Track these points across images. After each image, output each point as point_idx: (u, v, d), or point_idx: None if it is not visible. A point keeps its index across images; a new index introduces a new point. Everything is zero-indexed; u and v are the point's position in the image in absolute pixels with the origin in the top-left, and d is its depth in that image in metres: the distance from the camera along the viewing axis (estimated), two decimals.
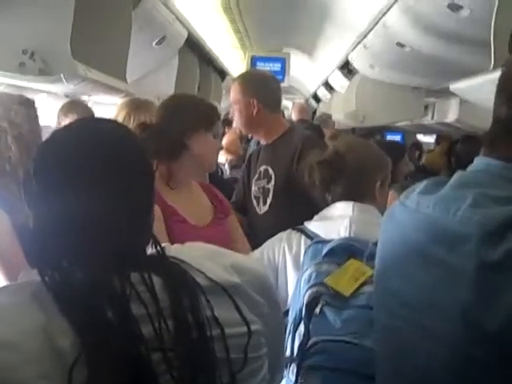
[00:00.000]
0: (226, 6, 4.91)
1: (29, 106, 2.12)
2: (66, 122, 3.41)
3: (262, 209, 2.72)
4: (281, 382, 1.29)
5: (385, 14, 3.47)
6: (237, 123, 2.81)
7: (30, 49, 2.23)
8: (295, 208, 2.43)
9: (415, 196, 1.05)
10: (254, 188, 2.78)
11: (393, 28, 3.52)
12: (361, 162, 1.97)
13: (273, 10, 5.20)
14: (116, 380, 0.85)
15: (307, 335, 1.57)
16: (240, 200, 2.90)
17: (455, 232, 0.91)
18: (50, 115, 3.59)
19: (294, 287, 1.77)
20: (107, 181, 0.96)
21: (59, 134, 1.04)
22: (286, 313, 1.75)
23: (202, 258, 1.04)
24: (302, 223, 2.00)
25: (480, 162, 1.01)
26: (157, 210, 2.15)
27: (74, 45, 2.36)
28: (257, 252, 2.02)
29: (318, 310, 1.57)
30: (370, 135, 6.96)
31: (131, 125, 2.52)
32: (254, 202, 2.77)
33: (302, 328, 1.60)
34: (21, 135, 2.05)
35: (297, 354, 1.59)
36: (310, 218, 2.02)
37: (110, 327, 0.88)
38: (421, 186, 1.06)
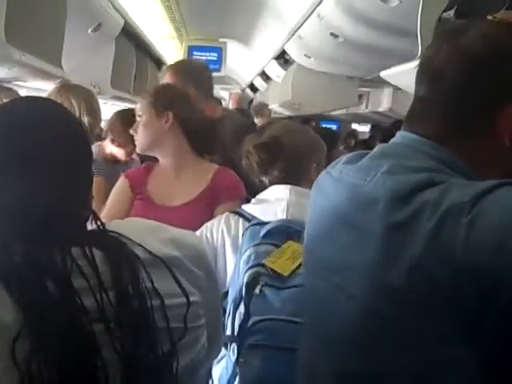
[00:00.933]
0: None
1: None
2: None
3: None
4: (219, 352, 1.33)
5: (318, 4, 3.53)
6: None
7: None
8: None
9: (340, 165, 1.11)
10: None
11: (326, 18, 3.59)
12: (297, 145, 2.02)
13: (209, 0, 5.22)
14: (59, 352, 0.87)
15: (247, 315, 1.61)
16: None
17: (369, 196, 0.97)
18: None
19: (233, 268, 1.81)
20: (43, 158, 0.98)
21: None
22: (226, 294, 1.79)
23: (142, 232, 1.06)
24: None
25: (399, 135, 1.08)
26: (124, 184, 2.27)
27: (7, 29, 2.33)
28: (196, 233, 2.04)
29: (257, 290, 1.62)
30: (305, 123, 7.08)
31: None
32: None
33: (242, 308, 1.64)
34: None
35: (237, 334, 1.63)
36: (248, 201, 2.06)
37: (52, 300, 0.89)
38: (346, 156, 1.13)
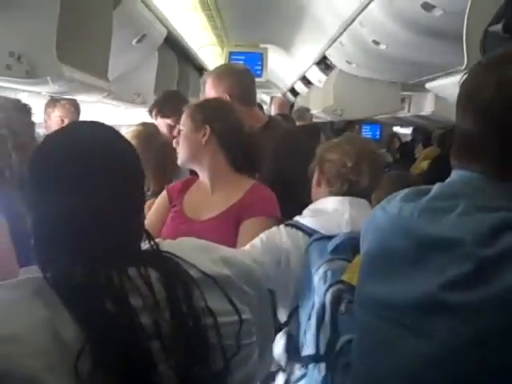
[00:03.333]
0: (204, 4, 4.94)
1: (27, 112, 2.17)
2: (51, 118, 3.46)
3: None
4: (269, 367, 1.35)
5: (360, 12, 3.53)
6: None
7: (16, 52, 2.27)
8: (279, 198, 2.49)
9: (397, 203, 1.11)
10: None
11: (368, 26, 3.59)
12: None
13: (250, 7, 5.24)
14: (119, 368, 0.91)
15: (335, 334, 1.59)
16: None
17: (444, 237, 0.97)
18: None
19: (303, 284, 1.80)
20: (102, 182, 1.01)
21: (53, 137, 1.09)
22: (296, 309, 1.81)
23: (194, 252, 1.10)
24: (288, 213, 2.04)
25: (455, 173, 1.07)
26: (164, 196, 2.32)
27: (58, 47, 2.40)
28: (257, 240, 1.98)
29: (342, 308, 1.59)
30: (348, 125, 7.07)
31: None
32: None
33: (327, 326, 1.63)
34: (22, 144, 2.10)
35: (326, 352, 1.61)
36: (293, 211, 2.05)
37: (111, 319, 0.93)
38: (403, 193, 1.13)
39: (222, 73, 2.84)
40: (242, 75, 2.84)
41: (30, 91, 2.94)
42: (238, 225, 2.13)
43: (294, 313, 1.84)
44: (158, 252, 1.06)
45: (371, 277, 1.13)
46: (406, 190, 1.13)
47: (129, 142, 1.15)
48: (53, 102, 3.50)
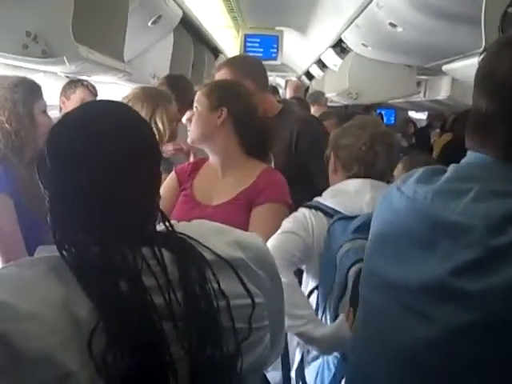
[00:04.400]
0: None
1: (34, 91, 2.18)
2: (71, 99, 3.48)
3: None
4: (279, 352, 1.36)
5: None
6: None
7: (33, 31, 2.28)
8: (295, 189, 2.48)
9: (412, 184, 1.10)
10: None
11: (385, 8, 3.56)
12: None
13: None
14: (132, 346, 0.92)
15: (354, 310, 1.60)
16: None
17: (457, 223, 0.97)
18: (48, 94, 3.64)
19: (324, 263, 1.83)
20: (119, 161, 1.01)
21: (71, 116, 1.09)
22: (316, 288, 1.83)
23: (208, 234, 1.10)
24: (302, 203, 2.03)
25: (471, 155, 1.06)
26: (173, 179, 2.29)
27: (75, 27, 2.41)
28: (286, 222, 1.97)
29: None
30: (366, 110, 7.03)
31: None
32: None
33: (347, 303, 1.66)
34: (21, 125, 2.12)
35: None
36: (309, 198, 2.05)
37: (124, 298, 0.94)
38: (418, 173, 1.11)
39: (237, 61, 2.86)
40: (257, 63, 2.86)
41: (46, 71, 2.96)
42: (250, 210, 2.11)
43: (313, 291, 1.85)
44: (172, 233, 1.07)
45: (382, 257, 1.12)
46: (421, 170, 1.12)
47: (145, 121, 1.15)
48: (73, 83, 3.51)
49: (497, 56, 1.02)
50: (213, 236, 1.10)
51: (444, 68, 2.83)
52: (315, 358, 1.76)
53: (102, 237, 0.99)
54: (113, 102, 1.17)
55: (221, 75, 2.69)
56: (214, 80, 2.62)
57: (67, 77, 3.26)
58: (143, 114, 2.43)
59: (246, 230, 2.00)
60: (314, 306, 1.83)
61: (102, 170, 1.00)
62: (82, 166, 1.00)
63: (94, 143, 1.01)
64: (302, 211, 1.95)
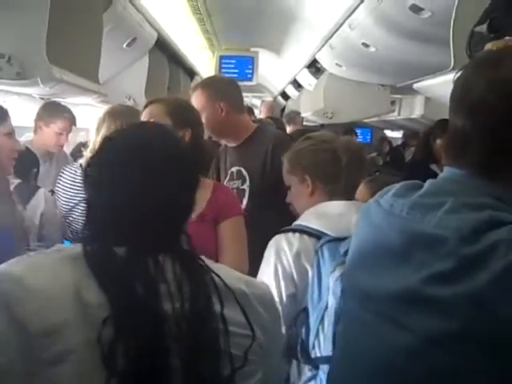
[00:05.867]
0: (195, 7, 4.97)
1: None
2: (50, 128, 3.47)
3: None
4: None
5: (350, 14, 3.56)
6: (207, 130, 2.68)
7: (7, 53, 2.28)
8: (271, 207, 2.49)
9: (389, 198, 1.12)
10: None
11: (358, 28, 3.61)
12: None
13: (240, 11, 5.26)
14: (137, 343, 0.98)
15: None
16: None
17: (431, 235, 0.99)
18: (22, 116, 3.63)
19: (313, 286, 1.76)
20: (159, 176, 1.11)
21: (122, 135, 1.20)
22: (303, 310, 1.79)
23: (216, 265, 1.17)
24: (279, 221, 2.00)
25: (446, 170, 1.09)
26: None
27: (49, 49, 2.42)
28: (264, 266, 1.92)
29: None
30: (347, 133, 7.08)
31: None
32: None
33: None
34: None
35: None
36: (285, 215, 2.05)
37: (139, 299, 1.01)
38: (395, 188, 1.14)
39: (212, 82, 2.85)
40: (232, 85, 2.85)
41: (20, 93, 2.95)
42: (215, 226, 2.13)
43: (300, 314, 1.83)
44: (193, 253, 1.14)
45: (360, 268, 1.15)
46: (398, 185, 1.15)
47: (188, 149, 1.25)
48: (54, 111, 3.49)
49: (472, 76, 1.05)
50: (220, 268, 1.17)
51: (415, 86, 2.87)
52: (309, 380, 1.74)
53: (131, 242, 1.06)
54: (160, 125, 1.30)
55: (196, 96, 2.68)
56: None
57: (42, 98, 3.25)
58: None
59: (216, 245, 2.08)
60: (304, 328, 1.80)
61: (147, 181, 1.10)
62: (130, 175, 1.09)
63: (140, 158, 1.11)
64: (282, 244, 1.90)
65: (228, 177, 2.81)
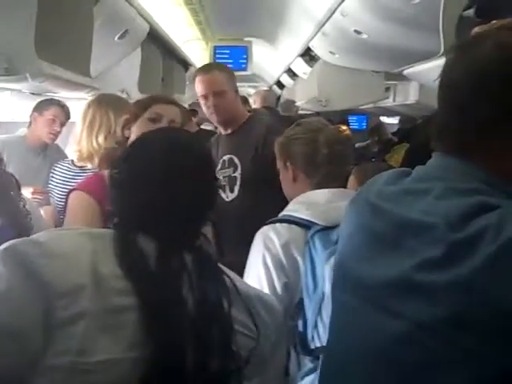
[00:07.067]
0: None
1: None
2: (43, 115, 3.46)
3: (230, 196, 2.78)
4: None
5: (342, 2, 3.55)
6: (220, 116, 2.78)
7: None
8: (263, 194, 2.50)
9: (379, 186, 1.13)
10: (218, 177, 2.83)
11: (349, 16, 3.60)
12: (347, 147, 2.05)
13: (233, 1, 5.25)
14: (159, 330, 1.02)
15: None
16: None
17: (420, 221, 0.99)
18: (15, 112, 3.63)
19: (307, 277, 1.77)
20: (182, 176, 1.18)
21: (150, 137, 1.29)
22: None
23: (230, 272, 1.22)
24: (271, 208, 2.02)
25: (436, 157, 1.09)
26: (90, 202, 2.08)
27: (38, 43, 2.40)
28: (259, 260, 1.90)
29: None
30: (342, 121, 7.07)
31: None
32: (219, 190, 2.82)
33: None
34: None
35: None
36: (276, 202, 2.05)
37: (159, 287, 1.07)
38: (385, 176, 1.15)
39: (226, 67, 2.93)
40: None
41: (12, 89, 2.94)
42: None
43: (298, 306, 1.82)
44: (210, 253, 1.20)
45: (350, 258, 1.14)
46: (388, 173, 1.15)
47: (209, 150, 1.40)
48: (48, 101, 3.49)
49: (451, 61, 1.06)
50: (231, 273, 1.22)
51: (405, 72, 2.87)
52: (308, 373, 1.74)
53: (159, 237, 1.13)
54: (184, 131, 1.46)
55: (216, 78, 2.76)
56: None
57: (33, 94, 3.24)
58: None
59: None
60: (301, 320, 1.80)
61: (171, 186, 1.16)
62: (153, 185, 1.16)
63: (166, 165, 1.18)
64: (270, 234, 1.89)
65: (219, 165, 2.82)
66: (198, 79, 2.80)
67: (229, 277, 1.17)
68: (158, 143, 1.23)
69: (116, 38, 4.02)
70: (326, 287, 1.68)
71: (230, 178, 2.78)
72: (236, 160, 2.78)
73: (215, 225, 2.72)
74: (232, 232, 2.50)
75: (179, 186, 1.16)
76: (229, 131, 2.86)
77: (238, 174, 2.76)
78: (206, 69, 2.88)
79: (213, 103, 2.73)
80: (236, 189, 2.75)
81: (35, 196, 2.96)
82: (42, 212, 2.57)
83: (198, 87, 2.78)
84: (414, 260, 0.98)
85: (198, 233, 1.19)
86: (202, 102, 2.80)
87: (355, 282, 1.11)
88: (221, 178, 2.80)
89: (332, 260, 1.67)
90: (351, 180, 2.37)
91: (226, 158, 2.82)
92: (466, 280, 0.91)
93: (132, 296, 1.03)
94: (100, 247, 1.08)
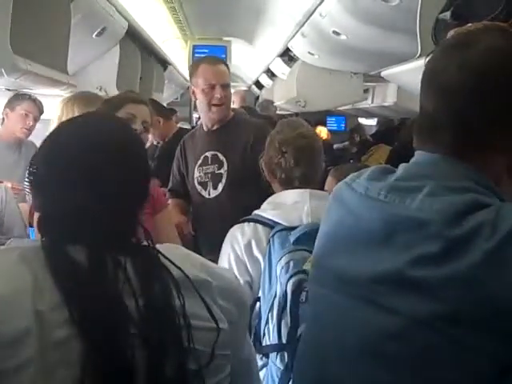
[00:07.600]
0: None
1: None
2: (15, 111, 3.42)
3: (212, 193, 2.77)
4: None
5: (320, 3, 3.55)
6: (224, 110, 2.80)
7: None
8: (248, 192, 2.51)
9: (363, 181, 1.12)
10: (197, 174, 2.82)
11: (328, 17, 3.61)
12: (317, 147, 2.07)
13: (212, 0, 5.24)
14: (97, 340, 0.95)
15: (295, 322, 1.63)
16: (179, 187, 2.96)
17: (413, 218, 0.99)
18: None
19: (264, 275, 1.81)
20: (105, 173, 1.06)
21: (66, 128, 1.14)
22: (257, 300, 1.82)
23: (176, 255, 1.11)
24: (254, 206, 2.04)
25: (418, 154, 1.10)
26: None
27: (13, 39, 2.37)
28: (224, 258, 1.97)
29: (303, 297, 1.63)
30: (320, 122, 7.08)
31: None
32: (199, 187, 2.81)
33: (287, 316, 1.66)
34: None
35: (287, 341, 1.65)
36: (261, 201, 2.06)
37: (94, 295, 0.98)
38: (368, 171, 1.14)
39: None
40: None
41: None
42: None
43: (254, 304, 1.85)
44: (148, 247, 1.09)
45: (334, 254, 1.13)
46: (370, 168, 1.14)
47: (138, 136, 1.23)
48: (20, 95, 3.45)
49: (441, 59, 1.06)
50: (181, 258, 1.11)
51: (383, 74, 2.88)
52: (260, 368, 1.75)
53: (88, 242, 1.03)
54: (110, 116, 1.32)
55: (224, 72, 2.81)
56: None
57: (8, 90, 3.20)
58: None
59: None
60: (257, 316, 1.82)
61: (91, 181, 1.05)
62: (75, 177, 1.05)
63: (87, 156, 1.06)
64: (236, 233, 1.96)
65: (200, 161, 2.81)
66: (204, 68, 2.79)
67: (177, 266, 1.06)
68: (74, 138, 1.09)
69: (94, 36, 4.00)
70: (278, 287, 1.70)
71: (213, 175, 2.76)
72: (221, 157, 2.77)
73: (194, 221, 2.74)
74: (215, 229, 2.49)
75: (101, 184, 1.05)
76: (214, 127, 2.85)
77: (223, 171, 2.75)
78: (213, 60, 2.92)
79: (220, 94, 2.74)
80: (220, 186, 2.75)
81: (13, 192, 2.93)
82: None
83: (206, 75, 2.77)
84: (408, 255, 0.98)
85: (133, 231, 1.09)
86: (204, 91, 2.78)
87: (338, 278, 1.10)
88: (202, 174, 2.80)
89: (283, 260, 1.70)
90: (329, 181, 2.39)
91: (208, 154, 2.81)
92: (464, 275, 0.92)
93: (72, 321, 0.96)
94: (38, 270, 0.98)
